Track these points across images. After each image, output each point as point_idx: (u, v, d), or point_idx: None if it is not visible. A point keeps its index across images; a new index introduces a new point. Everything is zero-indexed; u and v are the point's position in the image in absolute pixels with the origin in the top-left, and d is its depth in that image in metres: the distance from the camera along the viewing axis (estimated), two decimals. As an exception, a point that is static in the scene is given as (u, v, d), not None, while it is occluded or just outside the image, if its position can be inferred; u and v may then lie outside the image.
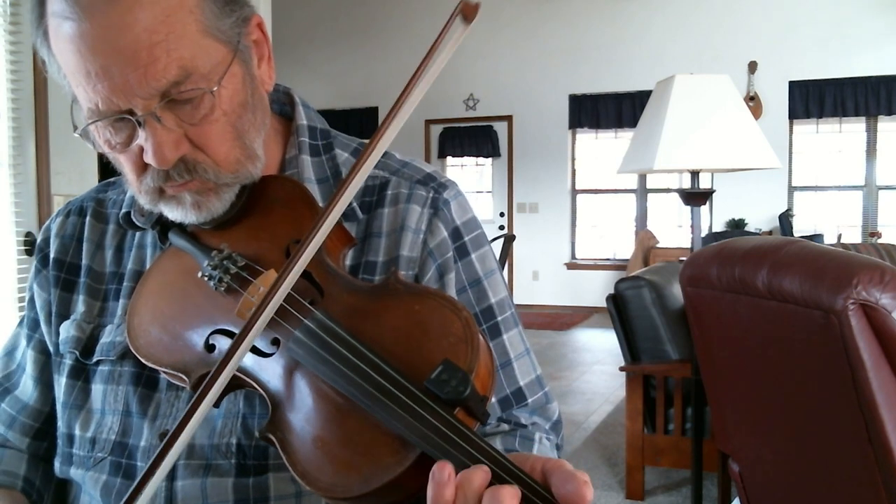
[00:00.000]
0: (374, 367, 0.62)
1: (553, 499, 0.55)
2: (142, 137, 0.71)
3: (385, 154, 0.92)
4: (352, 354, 0.63)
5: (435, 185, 0.88)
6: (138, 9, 0.66)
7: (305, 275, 0.71)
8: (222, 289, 0.73)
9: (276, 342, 0.68)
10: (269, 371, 0.68)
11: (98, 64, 0.67)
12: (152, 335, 0.75)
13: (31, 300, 0.94)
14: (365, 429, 0.61)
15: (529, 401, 0.87)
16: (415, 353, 0.63)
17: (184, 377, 0.71)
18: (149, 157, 0.71)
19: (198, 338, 0.73)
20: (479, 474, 0.55)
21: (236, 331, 0.66)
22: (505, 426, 0.84)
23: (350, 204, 0.85)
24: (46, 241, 0.94)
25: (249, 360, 0.69)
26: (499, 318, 0.88)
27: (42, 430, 0.92)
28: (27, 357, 0.93)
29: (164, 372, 0.74)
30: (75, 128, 0.74)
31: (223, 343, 0.71)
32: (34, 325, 0.93)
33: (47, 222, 0.96)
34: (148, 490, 0.60)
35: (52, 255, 0.92)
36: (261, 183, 0.80)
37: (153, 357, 0.74)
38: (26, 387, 0.93)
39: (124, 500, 0.60)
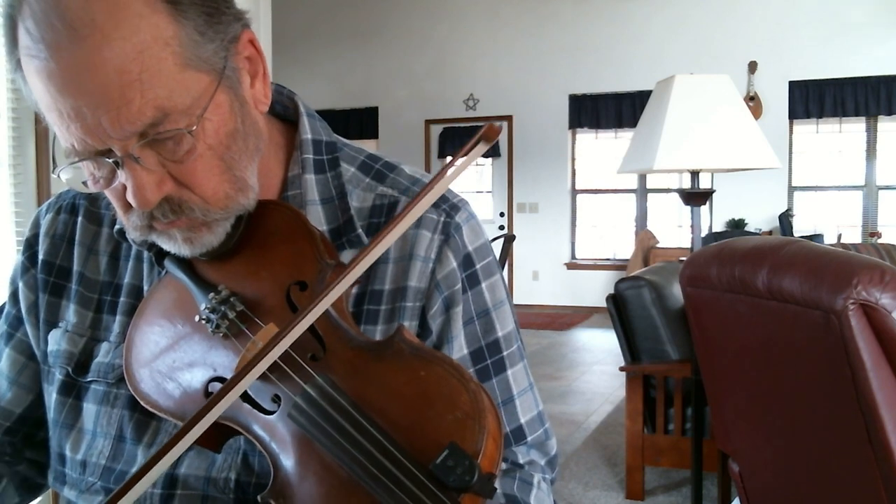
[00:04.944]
0: (377, 445, 0.60)
1: None
2: (122, 177, 0.66)
3: (395, 169, 0.87)
4: (354, 429, 0.61)
5: (447, 208, 0.84)
6: (107, 47, 0.61)
7: (309, 328, 0.69)
8: (220, 335, 0.71)
9: (276, 399, 0.67)
10: (271, 431, 0.66)
11: (68, 105, 0.63)
12: (151, 380, 0.74)
13: (14, 295, 0.89)
14: None
15: (529, 438, 0.85)
16: (420, 429, 0.61)
17: (181, 424, 0.70)
18: (130, 199, 0.67)
19: (196, 384, 0.72)
20: None
21: None
22: (502, 464, 0.82)
23: (355, 230, 0.81)
24: (35, 237, 0.89)
25: (251, 416, 0.68)
26: (504, 353, 0.85)
27: (12, 428, 0.88)
28: (3, 355, 0.88)
29: (162, 416, 0.74)
30: (54, 167, 0.70)
31: None
32: (15, 323, 0.88)
33: (36, 215, 0.90)
34: None
35: (40, 257, 0.88)
36: (259, 209, 0.76)
37: (152, 403, 0.73)
38: None
39: None
